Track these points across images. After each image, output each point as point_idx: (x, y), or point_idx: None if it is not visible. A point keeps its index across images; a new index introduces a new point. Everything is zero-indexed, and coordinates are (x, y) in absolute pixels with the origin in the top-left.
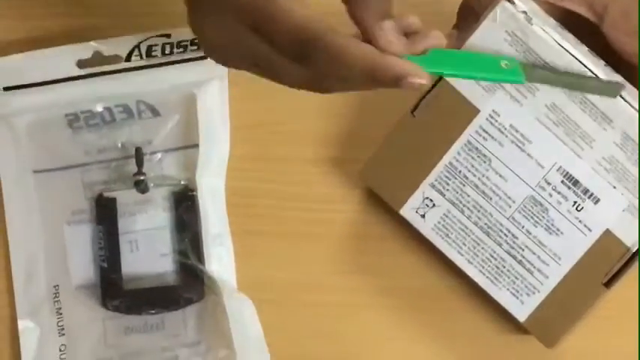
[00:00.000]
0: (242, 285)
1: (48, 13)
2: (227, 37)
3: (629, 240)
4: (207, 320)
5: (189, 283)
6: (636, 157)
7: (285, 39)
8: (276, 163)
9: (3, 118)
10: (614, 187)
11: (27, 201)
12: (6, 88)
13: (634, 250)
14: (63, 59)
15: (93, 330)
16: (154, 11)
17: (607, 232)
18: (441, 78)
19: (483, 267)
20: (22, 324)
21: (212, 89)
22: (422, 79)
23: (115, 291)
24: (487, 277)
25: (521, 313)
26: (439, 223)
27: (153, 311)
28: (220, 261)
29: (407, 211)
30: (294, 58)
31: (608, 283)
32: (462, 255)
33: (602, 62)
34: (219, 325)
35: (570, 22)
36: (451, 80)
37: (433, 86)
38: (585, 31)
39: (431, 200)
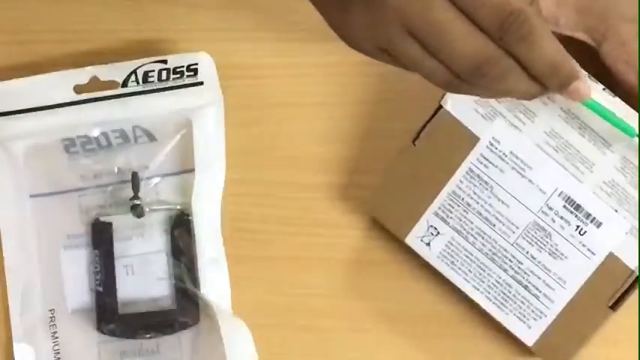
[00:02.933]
0: (238, 309)
1: (44, 38)
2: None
3: (633, 263)
4: (202, 345)
5: (185, 308)
6: (637, 180)
7: (487, 9)
8: (274, 187)
9: (0, 143)
10: (616, 211)
11: (23, 225)
12: (2, 113)
13: (638, 272)
14: (60, 84)
15: (88, 354)
16: (151, 37)
17: (611, 256)
18: (440, 107)
19: (490, 293)
20: (17, 348)
21: (208, 115)
22: (587, 90)
23: (111, 315)
24: (494, 302)
25: (529, 338)
26: (444, 250)
27: (148, 335)
28: (216, 285)
29: (412, 240)
30: (489, 30)
31: (614, 306)
32: (468, 282)
33: (601, 86)
34: (215, 350)
35: (570, 46)
36: (450, 109)
37: (433, 115)
38: (585, 55)
39: (435, 228)
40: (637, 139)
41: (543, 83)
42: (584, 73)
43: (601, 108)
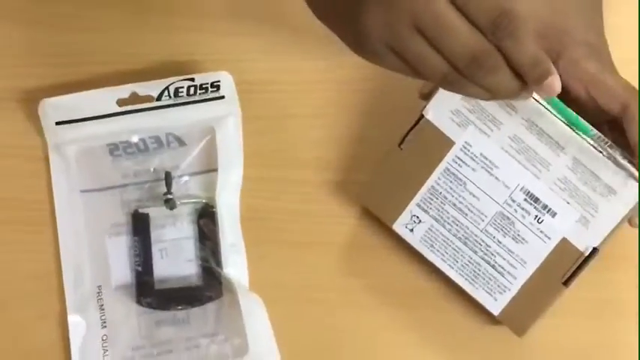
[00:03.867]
0: (254, 285)
1: (92, 61)
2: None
3: (582, 246)
4: (224, 315)
5: (210, 284)
6: (586, 177)
7: (483, 8)
8: (283, 183)
9: (56, 147)
10: (568, 203)
11: (75, 216)
12: (58, 123)
13: (587, 254)
14: (105, 99)
15: (129, 323)
16: (181, 59)
17: (563, 240)
18: (422, 116)
19: (462, 271)
20: (71, 319)
21: (228, 124)
22: (559, 87)
23: (148, 290)
24: (466, 279)
25: (496, 308)
26: (425, 235)
27: (179, 307)
28: (235, 265)
29: (398, 227)
30: (483, 26)
31: (566, 282)
32: (445, 261)
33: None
34: (235, 319)
35: None
36: (431, 118)
37: (416, 123)
38: None
39: (417, 217)
40: (588, 140)
41: (524, 78)
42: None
43: (564, 107)
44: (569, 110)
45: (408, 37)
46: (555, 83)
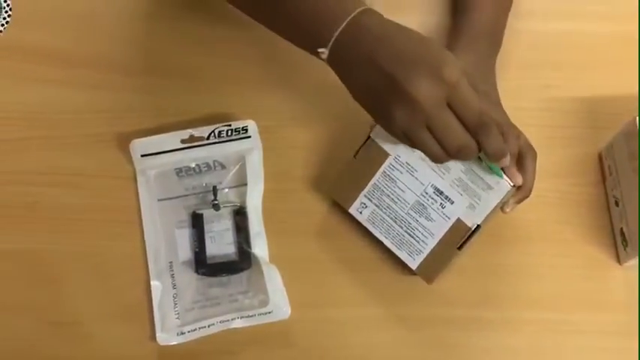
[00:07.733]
0: (272, 259)
1: (164, 114)
2: (431, 96)
3: (470, 223)
4: (253, 279)
5: (243, 259)
6: (473, 178)
7: (471, 113)
8: (287, 192)
9: (141, 171)
10: (461, 195)
11: (154, 215)
12: (142, 155)
13: (473, 228)
14: (173, 139)
15: (191, 286)
16: (222, 112)
17: (458, 220)
18: (369, 137)
19: (393, 240)
20: (152, 283)
21: (254, 154)
22: (506, 163)
23: (203, 264)
24: (395, 245)
25: (414, 264)
26: (369, 216)
27: (223, 274)
28: (260, 246)
29: (352, 210)
30: (470, 126)
31: (460, 247)
32: (382, 234)
33: None
34: (260, 281)
35: None
36: (375, 138)
37: (365, 142)
38: None
39: (364, 204)
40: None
41: (489, 159)
42: (509, 158)
43: (494, 166)
44: (497, 167)
45: (419, 132)
46: (507, 164)
